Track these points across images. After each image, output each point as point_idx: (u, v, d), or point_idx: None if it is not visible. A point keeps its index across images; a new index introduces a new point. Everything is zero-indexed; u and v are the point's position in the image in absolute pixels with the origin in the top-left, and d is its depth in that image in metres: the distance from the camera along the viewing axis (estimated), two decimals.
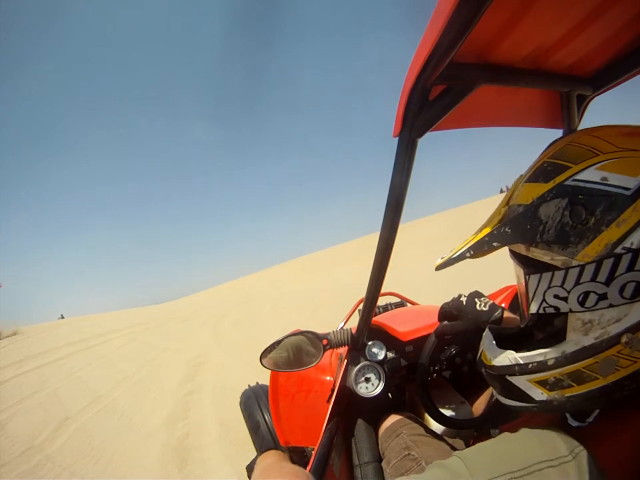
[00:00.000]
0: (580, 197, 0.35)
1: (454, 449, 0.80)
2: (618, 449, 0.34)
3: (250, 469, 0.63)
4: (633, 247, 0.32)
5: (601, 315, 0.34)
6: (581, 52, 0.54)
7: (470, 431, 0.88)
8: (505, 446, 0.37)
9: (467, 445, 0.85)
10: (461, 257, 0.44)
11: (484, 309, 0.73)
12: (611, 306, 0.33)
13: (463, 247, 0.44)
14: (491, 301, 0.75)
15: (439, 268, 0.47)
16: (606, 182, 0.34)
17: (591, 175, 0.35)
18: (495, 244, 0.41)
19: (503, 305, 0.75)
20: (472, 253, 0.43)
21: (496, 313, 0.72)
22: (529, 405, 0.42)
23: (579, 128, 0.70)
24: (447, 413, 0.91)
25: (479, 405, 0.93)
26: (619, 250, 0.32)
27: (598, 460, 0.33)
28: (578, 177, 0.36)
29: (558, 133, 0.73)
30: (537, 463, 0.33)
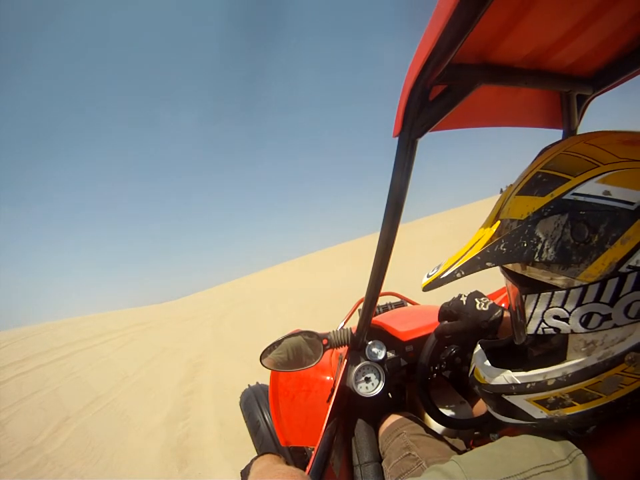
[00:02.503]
0: (581, 212, 0.33)
1: (454, 449, 0.80)
2: (617, 455, 0.34)
3: (245, 473, 0.63)
4: (639, 265, 0.30)
5: (605, 336, 0.33)
6: (581, 52, 0.54)
7: (470, 431, 0.88)
8: (502, 450, 0.37)
9: (467, 445, 0.85)
10: (451, 277, 0.41)
11: (484, 308, 0.73)
12: (615, 326, 0.32)
13: (452, 265, 0.42)
14: (491, 301, 0.75)
15: (426, 289, 0.44)
16: (609, 196, 0.32)
17: (592, 188, 0.33)
18: (488, 263, 0.39)
19: (502, 305, 0.75)
20: (463, 273, 0.40)
21: (496, 313, 0.72)
22: (528, 422, 0.41)
23: (579, 128, 0.70)
24: (447, 412, 0.91)
25: (479, 405, 0.93)
26: (623, 269, 0.31)
27: (596, 465, 0.32)
28: (578, 190, 0.33)
29: (558, 133, 0.73)
30: (533, 467, 0.33)
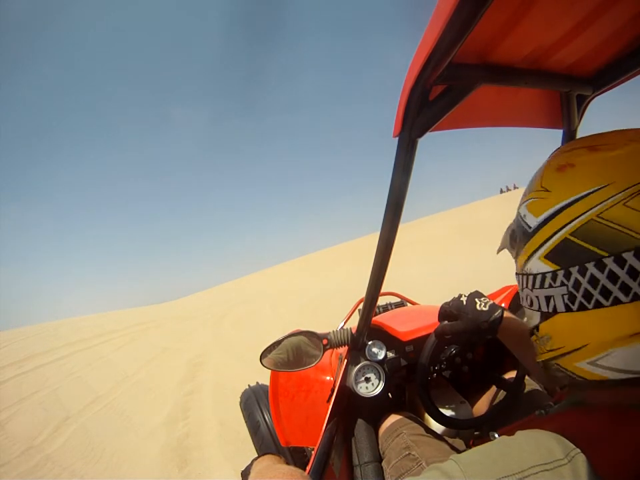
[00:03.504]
0: (515, 225, 0.46)
1: (454, 448, 0.80)
2: (617, 454, 0.34)
3: (245, 473, 0.63)
4: (531, 272, 0.41)
5: (526, 312, 0.46)
6: (581, 52, 0.54)
7: (470, 431, 0.88)
8: (501, 449, 0.37)
9: (467, 445, 0.85)
10: (498, 252, 0.56)
11: (484, 308, 0.73)
12: (527, 308, 0.44)
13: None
14: (491, 301, 0.75)
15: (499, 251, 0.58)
16: (524, 219, 0.43)
17: (521, 209, 0.44)
18: (500, 246, 0.53)
19: (502, 305, 0.75)
20: (500, 247, 0.54)
21: (496, 313, 0.72)
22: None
23: (579, 128, 0.70)
24: (447, 412, 0.92)
25: (480, 405, 0.93)
26: (523, 271, 0.43)
27: (595, 465, 0.32)
28: (519, 209, 0.45)
29: (558, 133, 0.73)
30: (532, 466, 0.33)
